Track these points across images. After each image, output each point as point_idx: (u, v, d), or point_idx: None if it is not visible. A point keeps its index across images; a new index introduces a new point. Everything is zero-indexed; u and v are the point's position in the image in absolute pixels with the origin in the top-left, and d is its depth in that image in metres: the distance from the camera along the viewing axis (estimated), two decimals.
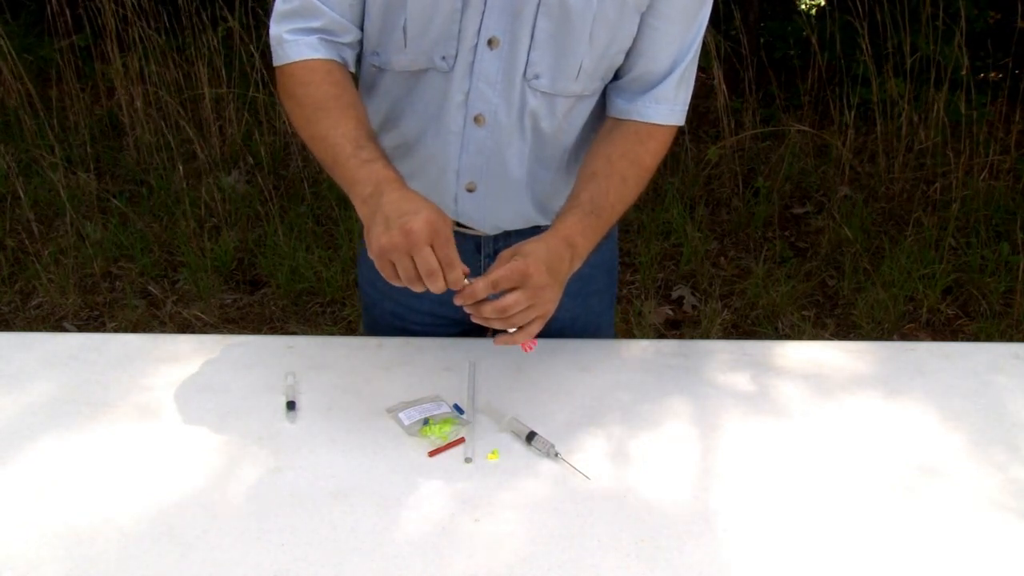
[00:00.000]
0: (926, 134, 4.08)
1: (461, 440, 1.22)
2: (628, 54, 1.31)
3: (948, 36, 4.04)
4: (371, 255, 1.13)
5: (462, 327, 1.48)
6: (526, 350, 1.22)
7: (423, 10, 1.24)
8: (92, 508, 1.10)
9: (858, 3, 4.05)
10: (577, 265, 1.25)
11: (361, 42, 1.33)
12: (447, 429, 1.23)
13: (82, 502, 1.11)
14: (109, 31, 4.27)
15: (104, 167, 4.23)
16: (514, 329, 1.18)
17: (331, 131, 1.23)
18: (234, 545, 1.05)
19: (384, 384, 1.34)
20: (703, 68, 4.00)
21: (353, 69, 1.34)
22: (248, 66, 4.30)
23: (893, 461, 1.21)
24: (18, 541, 1.05)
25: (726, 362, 1.42)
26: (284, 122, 4.21)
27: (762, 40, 5.00)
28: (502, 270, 1.15)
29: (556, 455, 1.19)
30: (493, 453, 1.20)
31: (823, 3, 5.07)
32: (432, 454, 1.20)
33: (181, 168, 4.01)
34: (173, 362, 1.38)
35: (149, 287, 3.42)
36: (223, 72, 4.32)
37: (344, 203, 3.67)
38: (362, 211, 1.17)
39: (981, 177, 3.88)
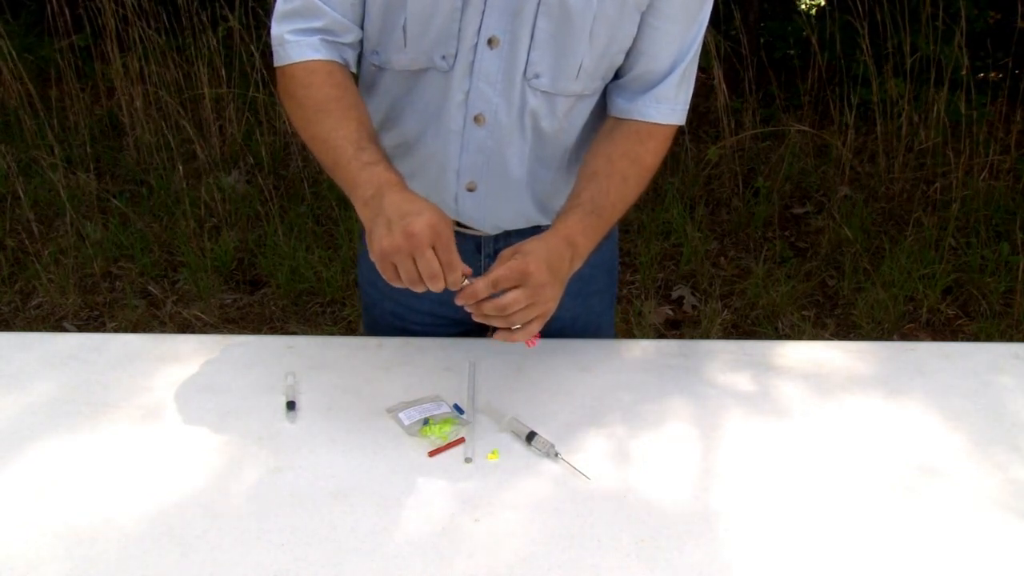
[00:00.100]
0: (926, 134, 4.08)
1: (461, 440, 1.22)
2: (628, 53, 1.31)
3: (948, 36, 4.04)
4: (372, 257, 1.13)
5: (462, 327, 1.48)
6: (530, 345, 1.22)
7: (423, 9, 1.24)
8: (92, 508, 1.10)
9: (858, 3, 4.05)
10: (578, 264, 1.25)
11: (362, 42, 1.33)
12: (447, 429, 1.23)
13: (82, 502, 1.11)
14: (109, 31, 4.27)
15: (104, 167, 4.23)
16: (517, 326, 1.18)
17: (332, 133, 1.23)
18: (234, 545, 1.05)
19: (384, 384, 1.34)
20: (703, 68, 3.99)
21: (354, 69, 1.34)
22: (248, 66, 4.30)
23: (893, 461, 1.21)
24: (18, 541, 1.05)
25: (726, 362, 1.42)
26: (284, 122, 4.21)
27: (762, 40, 5.00)
28: (502, 269, 1.15)
29: (556, 455, 1.19)
30: (493, 453, 1.20)
31: (823, 3, 5.07)
32: (432, 454, 1.20)
33: (181, 168, 4.01)
34: (173, 362, 1.38)
35: (149, 287, 3.42)
36: (223, 72, 4.32)
37: (344, 203, 3.67)
38: (363, 213, 1.17)
39: (981, 177, 3.88)
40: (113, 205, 3.83)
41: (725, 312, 3.27)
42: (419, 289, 1.14)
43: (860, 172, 4.15)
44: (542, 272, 1.15)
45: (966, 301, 3.36)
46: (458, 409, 1.28)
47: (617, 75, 1.34)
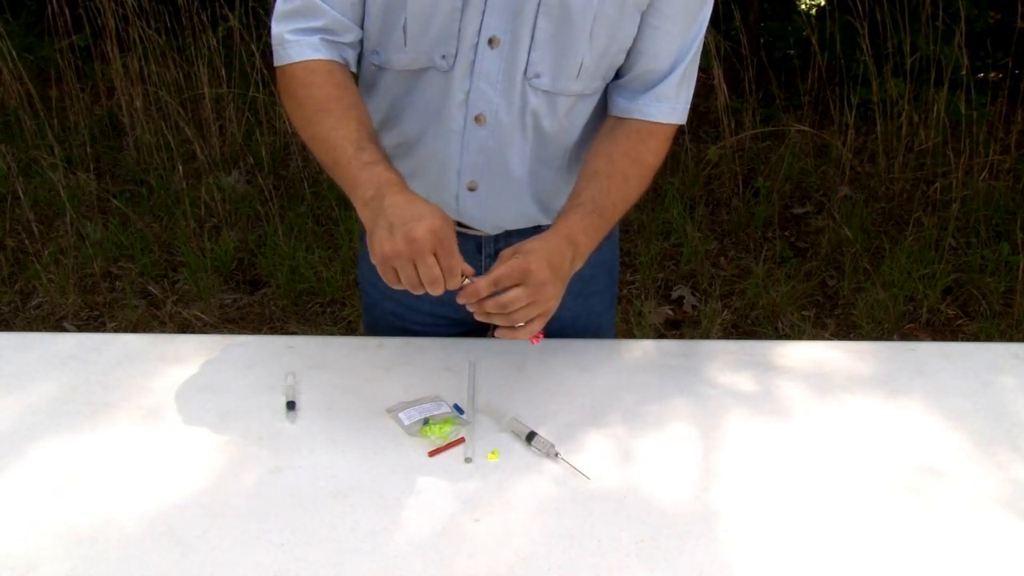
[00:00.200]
0: (926, 134, 4.08)
1: (461, 440, 1.22)
2: (629, 53, 1.31)
3: (948, 36, 4.04)
4: (373, 260, 1.13)
5: (462, 327, 1.48)
6: (533, 342, 1.22)
7: (423, 9, 1.24)
8: (92, 508, 1.10)
9: (858, 3, 4.05)
10: (579, 264, 1.25)
11: (362, 41, 1.33)
12: (447, 429, 1.22)
13: (82, 502, 1.11)
14: (109, 31, 4.27)
15: (104, 167, 4.23)
16: (520, 324, 1.18)
17: (332, 133, 1.23)
18: (234, 545, 1.04)
19: (384, 384, 1.34)
20: (703, 68, 3.98)
21: (355, 69, 1.34)
22: (248, 66, 4.30)
23: (894, 461, 1.21)
24: (18, 541, 1.05)
25: (727, 362, 1.42)
26: (284, 122, 4.21)
27: (762, 40, 5.00)
28: (503, 267, 1.15)
29: (556, 455, 1.19)
30: (493, 453, 1.20)
31: (823, 3, 5.07)
32: (432, 454, 1.20)
33: (181, 168, 4.01)
34: (173, 362, 1.38)
35: (149, 287, 3.42)
36: (223, 72, 4.32)
37: (344, 203, 3.67)
38: (364, 214, 1.17)
39: (981, 177, 3.88)
40: (113, 205, 3.83)
41: (725, 312, 3.27)
42: (419, 292, 1.14)
43: (860, 172, 4.15)
44: (543, 270, 1.15)
45: (966, 301, 3.36)
46: (458, 409, 1.28)
47: (618, 75, 1.34)
